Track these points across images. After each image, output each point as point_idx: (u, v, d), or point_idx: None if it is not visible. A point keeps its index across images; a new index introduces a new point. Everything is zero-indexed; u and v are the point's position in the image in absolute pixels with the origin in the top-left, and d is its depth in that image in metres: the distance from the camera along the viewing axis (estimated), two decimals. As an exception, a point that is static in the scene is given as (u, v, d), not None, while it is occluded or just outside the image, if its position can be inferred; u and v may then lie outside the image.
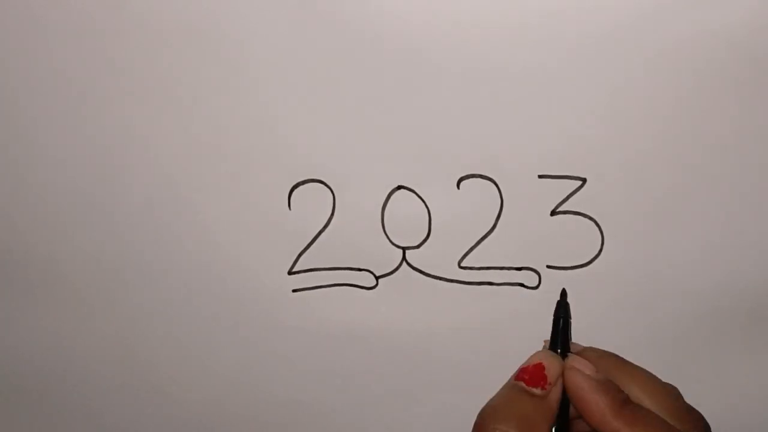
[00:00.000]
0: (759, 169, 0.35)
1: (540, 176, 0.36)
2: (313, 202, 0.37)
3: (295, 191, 0.37)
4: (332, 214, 0.37)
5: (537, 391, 0.29)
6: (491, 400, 0.30)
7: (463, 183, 0.36)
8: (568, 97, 0.34)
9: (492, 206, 0.36)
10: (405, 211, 0.37)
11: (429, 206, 0.36)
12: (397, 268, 0.37)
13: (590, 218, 0.36)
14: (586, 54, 0.34)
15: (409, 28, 0.34)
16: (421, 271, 0.37)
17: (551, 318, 0.37)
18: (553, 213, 0.36)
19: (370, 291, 0.38)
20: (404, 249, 0.37)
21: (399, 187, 0.36)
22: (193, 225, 0.38)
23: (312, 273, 0.38)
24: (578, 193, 0.36)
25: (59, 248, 0.39)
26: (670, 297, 0.37)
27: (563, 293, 0.33)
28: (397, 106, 0.35)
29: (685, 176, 0.35)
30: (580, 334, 0.38)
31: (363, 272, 0.38)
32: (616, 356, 0.32)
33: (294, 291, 0.38)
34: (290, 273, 0.38)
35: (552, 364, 0.30)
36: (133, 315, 0.39)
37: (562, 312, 0.32)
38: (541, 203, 0.36)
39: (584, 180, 0.36)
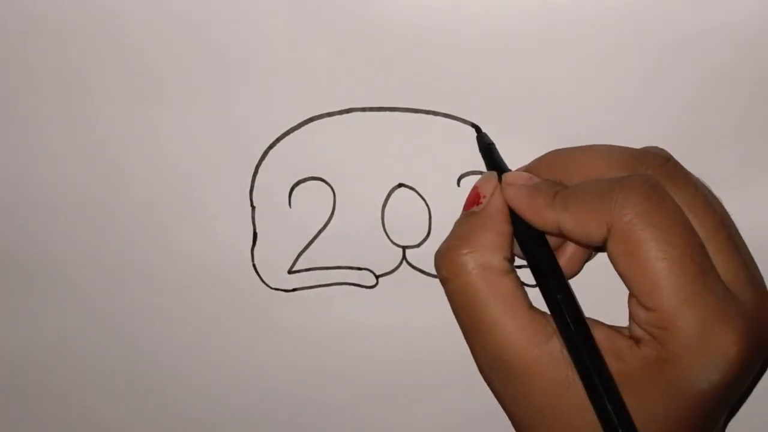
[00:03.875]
0: (760, 168, 0.35)
1: (540, 173, 0.36)
2: (313, 200, 0.37)
3: (296, 189, 0.37)
4: (332, 212, 0.37)
5: (474, 208, 0.31)
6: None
7: (463, 180, 0.36)
8: (567, 95, 0.35)
9: (492, 204, 0.36)
10: (405, 209, 0.37)
11: (429, 204, 0.36)
12: (397, 267, 0.37)
13: (590, 216, 0.36)
14: (586, 52, 0.34)
15: (409, 27, 0.34)
16: (421, 271, 0.37)
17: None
18: (554, 210, 0.36)
19: (371, 290, 0.38)
20: (404, 248, 0.37)
21: (399, 185, 0.36)
22: (192, 224, 0.38)
23: (312, 272, 0.38)
24: (578, 191, 0.36)
25: (59, 248, 0.39)
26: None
27: (477, 129, 0.34)
28: (398, 104, 0.35)
29: (684, 174, 0.35)
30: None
31: (363, 271, 0.38)
32: (562, 150, 0.32)
33: (294, 290, 0.38)
34: (290, 272, 0.38)
35: (484, 184, 0.31)
36: (133, 314, 0.39)
37: (485, 142, 0.34)
38: (542, 201, 0.36)
39: (584, 177, 0.36)
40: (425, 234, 0.37)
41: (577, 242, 0.30)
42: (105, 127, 0.37)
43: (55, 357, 0.40)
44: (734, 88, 0.34)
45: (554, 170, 0.31)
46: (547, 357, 0.28)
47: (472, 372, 0.38)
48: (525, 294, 0.30)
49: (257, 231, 0.37)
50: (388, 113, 0.35)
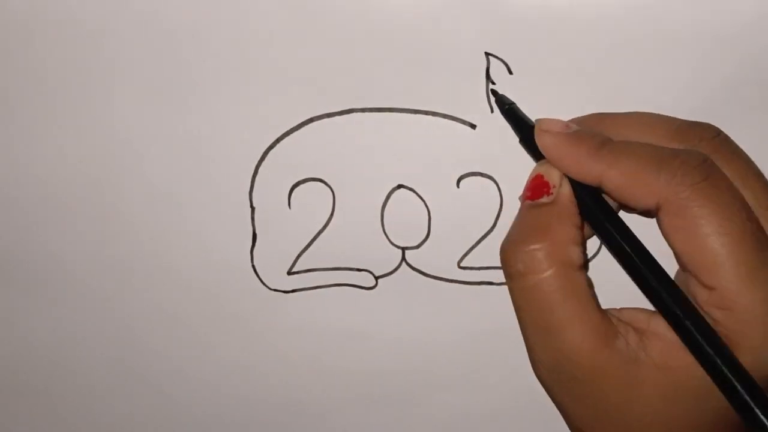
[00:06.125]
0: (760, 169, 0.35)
1: (539, 174, 0.36)
2: (313, 201, 0.37)
3: (295, 190, 0.37)
4: (332, 213, 0.37)
5: (544, 199, 0.28)
6: (508, 232, 0.28)
7: (462, 181, 0.36)
8: (566, 95, 0.35)
9: (492, 205, 0.36)
10: (405, 210, 0.37)
11: (429, 205, 0.37)
12: (396, 268, 0.37)
13: (589, 217, 0.36)
14: (585, 53, 0.34)
15: (409, 28, 0.34)
16: (420, 272, 0.37)
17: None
18: (553, 211, 0.36)
19: (370, 291, 0.38)
20: (404, 249, 0.37)
21: (399, 186, 0.36)
22: (192, 224, 0.38)
23: (311, 273, 0.38)
24: (577, 192, 0.36)
25: (60, 248, 0.39)
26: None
27: (494, 93, 0.31)
28: (398, 104, 0.35)
29: (683, 175, 0.36)
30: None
31: (362, 272, 0.38)
32: (600, 113, 0.30)
33: (293, 291, 0.38)
34: (290, 273, 0.38)
35: (548, 170, 0.28)
36: (133, 315, 0.39)
37: (505, 103, 0.30)
38: (541, 201, 0.36)
39: (583, 178, 0.36)
40: (425, 235, 0.37)
41: (616, 200, 0.28)
42: (105, 127, 0.37)
43: (56, 357, 0.40)
44: (735, 90, 0.34)
45: (593, 127, 0.29)
46: (617, 356, 0.27)
47: (470, 373, 0.38)
48: (593, 290, 0.28)
49: (257, 232, 0.37)
50: (388, 113, 0.35)
